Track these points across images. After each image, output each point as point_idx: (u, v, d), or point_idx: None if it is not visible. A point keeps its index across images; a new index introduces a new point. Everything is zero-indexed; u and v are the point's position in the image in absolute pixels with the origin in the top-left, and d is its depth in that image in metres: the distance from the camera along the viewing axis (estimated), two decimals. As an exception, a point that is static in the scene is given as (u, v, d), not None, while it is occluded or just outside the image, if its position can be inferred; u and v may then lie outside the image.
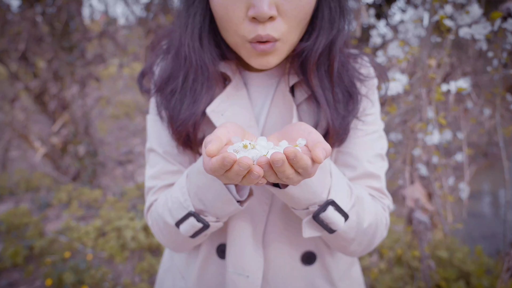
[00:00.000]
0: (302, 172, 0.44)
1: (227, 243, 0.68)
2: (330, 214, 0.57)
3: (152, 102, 0.71)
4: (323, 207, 0.56)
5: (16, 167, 4.08)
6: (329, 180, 0.57)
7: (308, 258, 0.70)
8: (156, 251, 2.48)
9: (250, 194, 0.61)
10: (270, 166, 0.43)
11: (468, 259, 2.02)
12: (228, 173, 0.43)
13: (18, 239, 2.58)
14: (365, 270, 1.94)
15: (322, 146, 0.44)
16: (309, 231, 0.59)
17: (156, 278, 0.90)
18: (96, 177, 3.58)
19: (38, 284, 2.21)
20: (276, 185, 0.58)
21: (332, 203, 0.56)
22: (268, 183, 0.58)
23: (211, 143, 0.42)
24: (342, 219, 0.58)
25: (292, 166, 0.43)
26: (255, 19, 0.54)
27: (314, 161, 0.44)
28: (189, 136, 0.65)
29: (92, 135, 3.63)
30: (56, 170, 3.69)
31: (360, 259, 2.03)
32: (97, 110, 4.57)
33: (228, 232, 0.68)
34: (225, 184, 0.56)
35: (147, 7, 2.67)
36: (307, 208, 0.57)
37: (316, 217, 0.57)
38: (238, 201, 0.59)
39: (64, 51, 3.15)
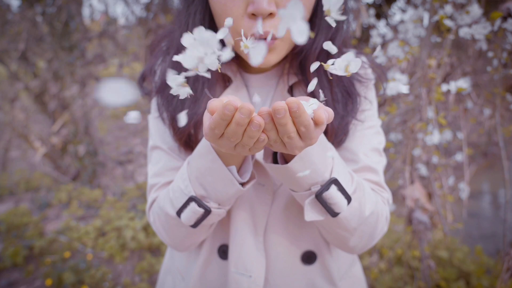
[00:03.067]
0: (304, 133, 0.43)
1: (229, 243, 0.68)
2: (334, 193, 0.55)
3: (154, 102, 0.71)
4: (326, 186, 0.55)
5: (16, 167, 4.08)
6: (331, 161, 0.56)
7: (309, 258, 0.70)
8: (156, 251, 2.48)
9: (252, 177, 0.60)
10: (272, 119, 0.42)
11: (468, 259, 2.02)
12: (228, 127, 0.42)
13: (18, 239, 2.58)
14: (365, 270, 1.94)
15: (324, 108, 0.43)
16: (312, 214, 0.58)
17: (156, 279, 0.90)
18: (96, 177, 3.58)
19: (38, 284, 2.21)
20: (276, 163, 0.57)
21: (335, 181, 0.55)
22: (269, 159, 0.57)
23: (214, 101, 0.41)
24: (345, 201, 0.57)
25: (294, 124, 0.42)
26: (254, 16, 0.54)
27: (316, 123, 0.43)
28: (190, 137, 0.65)
29: (92, 135, 3.63)
30: (56, 170, 3.69)
31: (360, 259, 2.03)
32: (97, 110, 4.57)
33: (230, 232, 0.68)
34: (226, 167, 0.55)
35: (147, 7, 2.67)
36: (309, 189, 0.56)
37: (319, 197, 0.56)
38: (240, 184, 0.58)
39: (64, 51, 3.15)
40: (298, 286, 0.70)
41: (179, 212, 0.60)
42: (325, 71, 0.63)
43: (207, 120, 0.44)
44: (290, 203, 0.68)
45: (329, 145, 0.58)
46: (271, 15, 0.54)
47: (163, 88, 0.66)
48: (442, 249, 2.07)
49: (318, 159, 0.54)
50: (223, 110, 0.40)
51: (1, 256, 2.39)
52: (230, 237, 0.68)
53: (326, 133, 0.62)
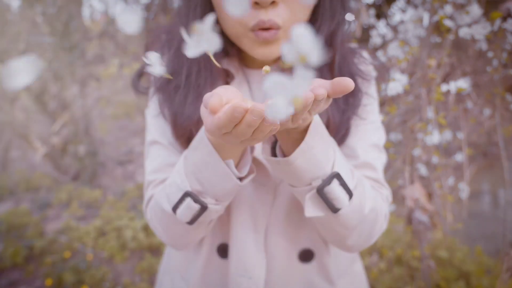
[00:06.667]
0: (315, 109, 0.43)
1: (230, 243, 0.68)
2: (335, 188, 0.54)
3: (152, 98, 0.70)
4: (328, 181, 0.53)
5: (16, 167, 4.07)
6: (333, 155, 0.55)
7: (306, 256, 0.70)
8: (156, 251, 2.48)
9: (251, 172, 0.58)
10: None
11: (468, 259, 2.02)
12: (237, 127, 0.39)
13: (18, 239, 2.58)
14: (365, 270, 1.94)
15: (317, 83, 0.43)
16: (312, 210, 0.56)
17: (156, 279, 0.90)
18: (96, 177, 3.58)
19: (38, 284, 2.21)
20: (275, 156, 0.56)
21: (337, 175, 0.53)
22: (268, 154, 0.56)
23: (212, 98, 0.38)
24: (347, 196, 0.55)
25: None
26: (257, 4, 0.53)
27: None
28: (192, 133, 0.63)
29: (92, 135, 3.63)
30: (56, 170, 3.69)
31: (360, 258, 2.03)
32: (97, 110, 4.56)
33: (230, 233, 0.67)
34: (223, 160, 0.53)
35: (147, 7, 2.67)
36: (310, 184, 0.54)
37: (320, 191, 0.54)
38: (238, 178, 0.56)
39: (64, 51, 3.15)
40: (295, 284, 0.70)
41: (175, 208, 0.58)
42: (328, 64, 0.63)
43: (207, 116, 0.42)
44: (290, 203, 0.68)
45: (330, 139, 0.56)
46: (273, 3, 0.54)
47: (165, 84, 0.66)
48: (442, 249, 2.07)
49: (320, 152, 0.53)
50: (233, 113, 0.38)
51: (1, 256, 2.39)
52: (230, 237, 0.67)
53: (327, 128, 0.61)
